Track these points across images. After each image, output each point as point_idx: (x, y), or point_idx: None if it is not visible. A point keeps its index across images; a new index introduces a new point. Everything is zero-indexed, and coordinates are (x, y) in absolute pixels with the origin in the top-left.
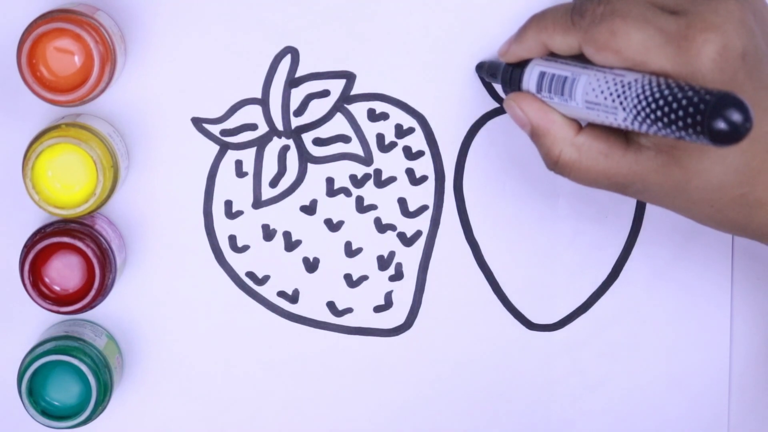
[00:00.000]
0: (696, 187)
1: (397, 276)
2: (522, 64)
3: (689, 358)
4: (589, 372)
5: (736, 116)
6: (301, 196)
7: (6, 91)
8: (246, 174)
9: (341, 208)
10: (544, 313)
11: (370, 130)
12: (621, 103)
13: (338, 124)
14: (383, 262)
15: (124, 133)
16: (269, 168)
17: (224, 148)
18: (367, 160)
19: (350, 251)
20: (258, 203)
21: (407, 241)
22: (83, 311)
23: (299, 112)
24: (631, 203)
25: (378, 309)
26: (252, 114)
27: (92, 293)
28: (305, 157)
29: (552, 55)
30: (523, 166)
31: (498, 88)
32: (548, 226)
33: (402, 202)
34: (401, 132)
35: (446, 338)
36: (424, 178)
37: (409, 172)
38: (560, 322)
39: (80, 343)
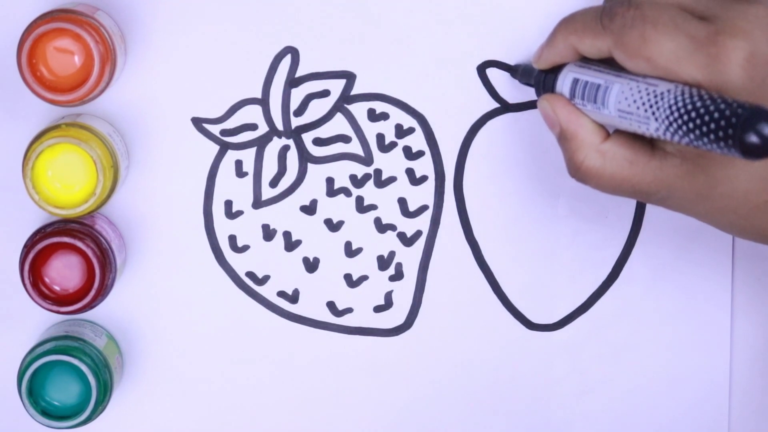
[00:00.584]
0: (721, 194)
1: (397, 276)
2: (555, 70)
3: (689, 358)
4: (589, 372)
5: None
6: (301, 196)
7: (6, 91)
8: (246, 174)
9: (341, 208)
10: (544, 313)
11: (370, 130)
12: (653, 113)
13: (338, 124)
14: (383, 262)
15: (124, 133)
16: (269, 168)
17: (224, 148)
18: (367, 160)
19: (350, 251)
20: (258, 203)
21: (407, 241)
22: (83, 311)
23: (299, 112)
24: (631, 203)
25: (378, 309)
26: (252, 114)
27: (92, 293)
28: (305, 157)
29: (584, 60)
30: (523, 166)
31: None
32: (548, 226)
33: (402, 202)
34: (401, 132)
35: (446, 338)
36: (424, 178)
37: (409, 172)
38: (560, 322)
39: (80, 343)
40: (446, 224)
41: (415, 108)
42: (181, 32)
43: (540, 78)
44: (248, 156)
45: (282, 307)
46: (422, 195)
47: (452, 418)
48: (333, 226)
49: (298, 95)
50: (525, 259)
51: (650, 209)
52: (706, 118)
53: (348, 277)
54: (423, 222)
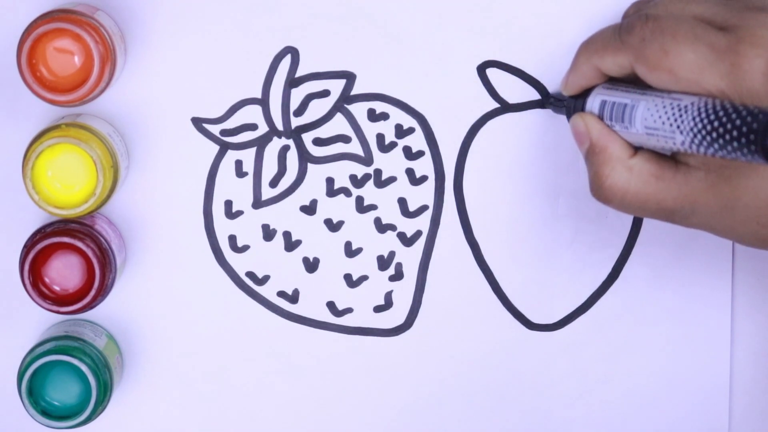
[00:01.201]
0: (745, 205)
1: (397, 276)
2: (585, 94)
3: (689, 358)
4: (589, 372)
5: None
6: (301, 196)
7: (6, 91)
8: (246, 174)
9: (341, 208)
10: (544, 313)
11: (370, 130)
12: (678, 127)
13: (338, 124)
14: (383, 262)
15: (124, 133)
16: (269, 168)
17: (224, 148)
18: (367, 160)
19: (350, 251)
20: (258, 203)
21: (407, 241)
22: (83, 311)
23: (299, 112)
24: None
25: (378, 309)
26: (252, 114)
27: (92, 293)
28: (305, 157)
29: (611, 82)
30: (523, 166)
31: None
32: (548, 226)
33: (402, 202)
34: (401, 132)
35: (446, 338)
36: (424, 178)
37: (409, 172)
38: (560, 322)
39: (80, 343)
40: (446, 224)
41: (415, 108)
42: (181, 32)
43: (570, 104)
44: (248, 156)
45: (282, 307)
46: (422, 195)
47: (452, 417)
48: (333, 226)
49: (298, 95)
50: (525, 259)
51: None
52: (729, 126)
53: (348, 277)
54: (423, 222)
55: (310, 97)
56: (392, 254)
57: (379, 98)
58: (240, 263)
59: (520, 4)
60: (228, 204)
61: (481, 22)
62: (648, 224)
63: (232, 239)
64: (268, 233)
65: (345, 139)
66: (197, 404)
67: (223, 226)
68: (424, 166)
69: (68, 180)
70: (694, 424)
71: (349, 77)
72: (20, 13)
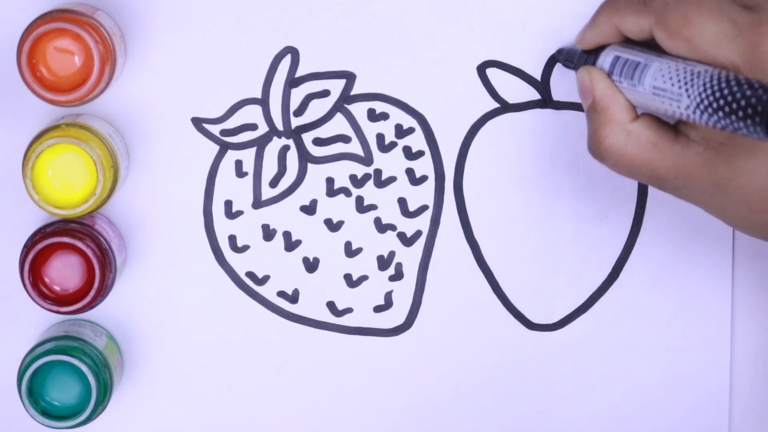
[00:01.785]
0: (738, 186)
1: (397, 276)
2: (598, 51)
3: (689, 358)
4: (589, 372)
5: None
6: (301, 196)
7: (6, 91)
8: (246, 174)
9: (341, 208)
10: (544, 313)
11: (370, 130)
12: (687, 90)
13: (338, 124)
14: (383, 262)
15: (124, 133)
16: (269, 168)
17: (224, 148)
18: (367, 160)
19: (350, 251)
20: (258, 203)
21: (407, 241)
22: (83, 311)
23: (299, 112)
24: (631, 203)
25: (378, 309)
26: (252, 114)
27: (92, 293)
28: (305, 157)
29: (627, 42)
30: (523, 166)
31: (516, 89)
32: (548, 226)
33: (402, 202)
34: (401, 132)
35: (446, 338)
36: (424, 178)
37: (409, 172)
38: (560, 322)
39: (80, 343)
40: (446, 224)
41: (415, 108)
42: (181, 32)
43: (582, 58)
44: (248, 156)
45: (282, 307)
46: (422, 195)
47: (452, 417)
48: (333, 226)
49: (298, 95)
50: (525, 259)
51: (650, 209)
52: (738, 95)
53: (348, 277)
54: (423, 222)
55: (310, 97)
56: (392, 254)
57: (379, 98)
58: (240, 263)
59: (520, 4)
60: (228, 204)
61: (481, 22)
62: (648, 224)
63: (232, 239)
64: (268, 233)
65: (345, 139)
66: (197, 404)
67: (223, 226)
68: (424, 166)
69: (68, 180)
70: (694, 424)
71: (349, 77)
72: (20, 13)
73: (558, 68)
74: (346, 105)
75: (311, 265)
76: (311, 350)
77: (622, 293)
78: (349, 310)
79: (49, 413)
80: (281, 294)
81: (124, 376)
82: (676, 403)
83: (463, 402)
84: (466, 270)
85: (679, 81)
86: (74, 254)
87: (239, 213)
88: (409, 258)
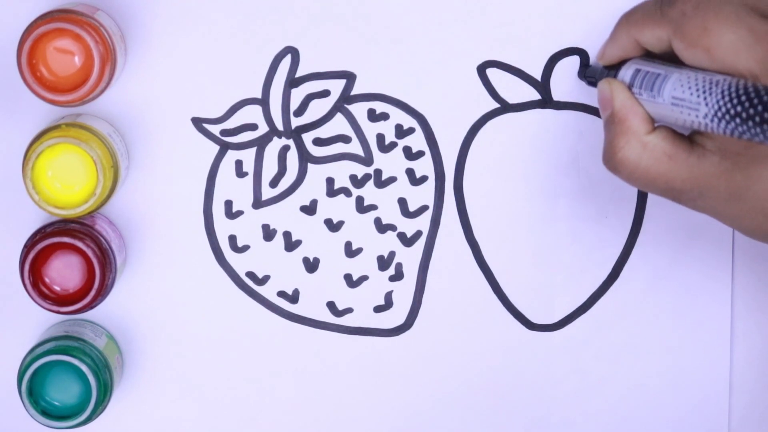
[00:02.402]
0: (754, 195)
1: (397, 276)
2: (619, 66)
3: (689, 358)
4: (589, 372)
5: None
6: (301, 196)
7: (6, 91)
8: (246, 174)
9: (341, 208)
10: (544, 313)
11: (370, 130)
12: (705, 99)
13: (338, 124)
14: (383, 262)
15: (124, 133)
16: (269, 168)
17: (224, 148)
18: (367, 160)
19: (350, 251)
20: (258, 203)
21: (407, 241)
22: (83, 311)
23: (299, 112)
24: (631, 203)
25: (378, 309)
26: (252, 114)
27: (92, 293)
28: (305, 157)
29: (648, 56)
30: (523, 166)
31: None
32: (548, 226)
33: (402, 202)
34: (401, 132)
35: (446, 338)
36: (424, 178)
37: (409, 172)
38: (560, 322)
39: (80, 343)
40: (446, 224)
41: (415, 108)
42: (181, 32)
43: (603, 74)
44: (248, 156)
45: (282, 307)
46: (422, 195)
47: (452, 418)
48: (333, 226)
49: (298, 95)
50: (525, 259)
51: (650, 209)
52: (756, 101)
53: (348, 277)
54: (423, 222)
55: (310, 97)
56: (392, 254)
57: (379, 98)
58: (240, 263)
59: (520, 4)
60: (228, 204)
61: (481, 22)
62: (648, 224)
63: (232, 239)
64: (268, 233)
65: (345, 139)
66: (197, 404)
67: (223, 226)
68: (424, 166)
69: (68, 180)
70: (694, 424)
71: (349, 77)
72: (20, 13)
73: (558, 68)
74: (346, 105)
75: (311, 265)
76: (311, 350)
77: (622, 293)
78: (349, 310)
79: (49, 413)
80: (281, 294)
81: (124, 376)
82: (675, 403)
83: (463, 402)
84: (466, 270)
85: (698, 90)
86: (74, 254)
87: (239, 213)
88: (409, 258)
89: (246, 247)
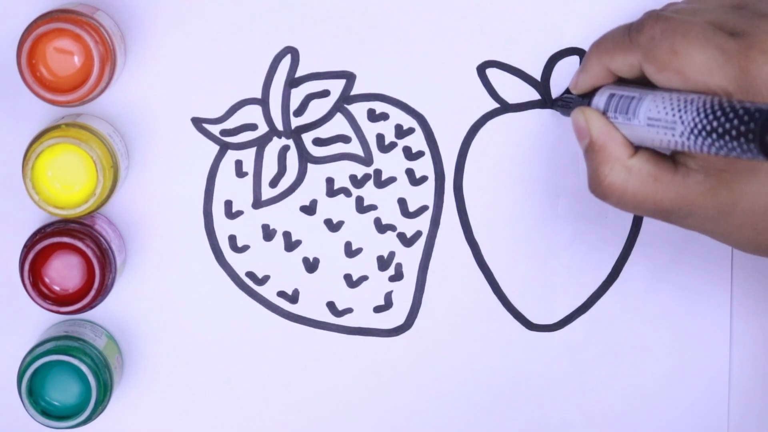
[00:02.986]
0: (742, 210)
1: (397, 276)
2: (592, 94)
3: (689, 358)
4: (589, 372)
5: None
6: (301, 196)
7: (6, 91)
8: (246, 174)
9: (341, 208)
10: (544, 313)
11: (370, 130)
12: (680, 117)
13: (338, 124)
14: (383, 263)
15: (124, 133)
16: (269, 168)
17: (224, 148)
18: (367, 160)
19: (350, 251)
20: (258, 203)
21: (407, 241)
22: (83, 311)
23: (299, 112)
24: None
25: (378, 309)
26: (252, 114)
27: (92, 293)
28: (305, 157)
29: (620, 81)
30: (523, 166)
31: (516, 89)
32: (548, 226)
33: (402, 203)
34: (401, 132)
35: (446, 338)
36: (424, 179)
37: (409, 173)
38: (560, 322)
39: (80, 343)
40: (446, 224)
41: (415, 108)
42: (181, 32)
43: (577, 102)
44: (248, 156)
45: (282, 307)
46: (422, 195)
47: (452, 418)
48: (333, 226)
49: (298, 95)
50: (525, 259)
51: None
52: (731, 115)
53: (348, 278)
54: (423, 222)
55: (310, 97)
56: (392, 254)
57: (379, 98)
58: (240, 263)
59: (520, 4)
60: (228, 204)
61: (481, 22)
62: (648, 224)
63: (232, 239)
64: (268, 233)
65: (345, 139)
66: (197, 404)
67: (223, 226)
68: (424, 166)
69: (68, 180)
70: (694, 424)
71: (349, 77)
72: (20, 13)
73: (558, 68)
74: (346, 105)
75: (311, 265)
76: (311, 350)
77: (622, 293)
78: (349, 311)
79: (49, 413)
80: (281, 294)
81: (124, 376)
82: (675, 403)
83: (463, 402)
84: (466, 270)
85: (673, 109)
86: (74, 254)
87: (239, 213)
88: (409, 258)
89: (246, 247)
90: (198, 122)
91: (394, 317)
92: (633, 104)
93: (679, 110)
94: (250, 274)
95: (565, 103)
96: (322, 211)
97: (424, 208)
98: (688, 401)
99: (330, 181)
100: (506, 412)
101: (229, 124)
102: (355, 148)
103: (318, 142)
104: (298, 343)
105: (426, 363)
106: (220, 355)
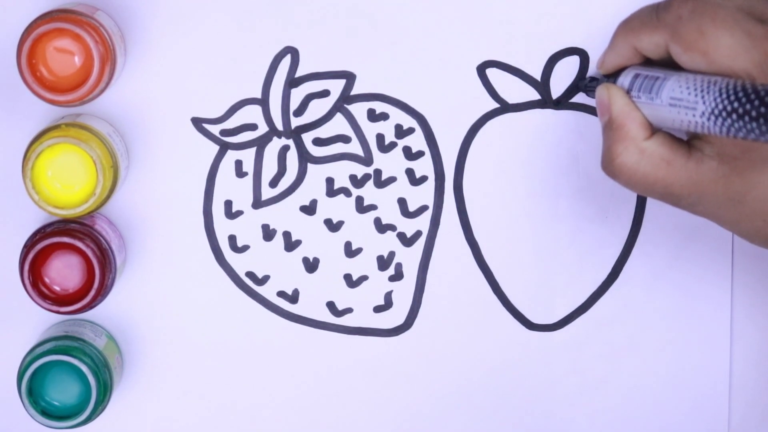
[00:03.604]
0: (753, 198)
1: (397, 276)
2: (618, 74)
3: (689, 358)
4: (589, 372)
5: None
6: (301, 196)
7: (6, 91)
8: (246, 174)
9: (341, 208)
10: (544, 313)
11: (370, 130)
12: (703, 97)
13: (338, 124)
14: (383, 262)
15: (124, 133)
16: (269, 168)
17: (224, 148)
18: (367, 160)
19: (350, 251)
20: (258, 203)
21: (407, 241)
22: (83, 311)
23: (299, 112)
24: (631, 203)
25: (378, 309)
26: (252, 114)
27: (92, 293)
28: (305, 157)
29: (647, 63)
30: (523, 166)
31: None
32: (548, 226)
33: (402, 202)
34: (401, 132)
35: (446, 338)
36: (424, 178)
37: (409, 172)
38: (560, 322)
39: (80, 343)
40: (446, 224)
41: (415, 108)
42: (181, 32)
43: (603, 82)
44: (248, 156)
45: (282, 307)
46: (422, 195)
47: (452, 418)
48: (333, 226)
49: (298, 95)
50: (525, 259)
51: (650, 209)
52: (752, 96)
53: (348, 277)
54: (423, 222)
55: (310, 97)
56: (392, 254)
57: (379, 98)
58: (240, 263)
59: (520, 5)
60: (228, 204)
61: (481, 22)
62: (648, 224)
63: (232, 239)
64: (268, 233)
65: (345, 139)
66: (197, 404)
67: (223, 226)
68: (424, 166)
69: (68, 180)
70: (694, 424)
71: (349, 77)
72: (20, 13)
73: (558, 68)
74: (346, 105)
75: (311, 265)
76: (311, 350)
77: (622, 293)
78: (349, 310)
79: (49, 413)
80: (281, 294)
81: (124, 376)
82: (675, 403)
83: (463, 402)
84: (466, 270)
85: (695, 89)
86: (74, 254)
87: (239, 213)
88: (409, 258)
89: (246, 247)
90: (198, 122)
91: (394, 317)
92: (657, 84)
93: (702, 91)
94: (250, 274)
95: (591, 83)
96: (322, 211)
97: (424, 208)
98: (689, 401)
99: (330, 181)
100: (506, 411)
101: (229, 124)
102: (355, 148)
103: (318, 142)
104: (298, 343)
105: (426, 363)
106: (220, 355)
